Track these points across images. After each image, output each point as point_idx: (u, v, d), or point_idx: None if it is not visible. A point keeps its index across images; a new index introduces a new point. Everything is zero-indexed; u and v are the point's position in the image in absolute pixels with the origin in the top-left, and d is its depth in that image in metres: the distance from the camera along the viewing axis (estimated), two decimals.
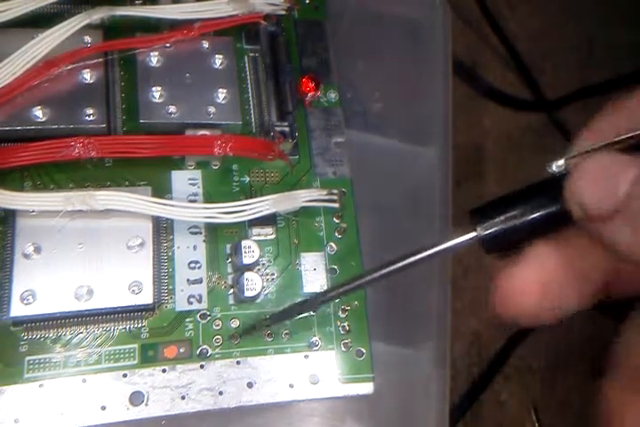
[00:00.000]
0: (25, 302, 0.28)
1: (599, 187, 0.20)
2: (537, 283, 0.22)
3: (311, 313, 0.33)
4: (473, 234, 0.22)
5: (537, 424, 0.53)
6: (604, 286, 0.23)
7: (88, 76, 0.32)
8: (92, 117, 0.32)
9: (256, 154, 0.33)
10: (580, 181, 0.20)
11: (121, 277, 0.30)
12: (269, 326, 0.32)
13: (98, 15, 0.33)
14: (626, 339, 0.23)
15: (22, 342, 0.29)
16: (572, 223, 0.21)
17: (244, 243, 0.32)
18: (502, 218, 0.22)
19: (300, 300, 0.32)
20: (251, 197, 0.33)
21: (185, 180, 0.34)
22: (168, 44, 0.34)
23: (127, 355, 0.30)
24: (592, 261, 0.22)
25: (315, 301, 0.30)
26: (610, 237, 0.20)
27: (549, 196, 0.21)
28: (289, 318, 0.32)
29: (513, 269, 0.22)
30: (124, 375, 0.30)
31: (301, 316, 0.32)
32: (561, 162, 0.21)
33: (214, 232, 0.33)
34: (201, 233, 0.33)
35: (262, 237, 0.34)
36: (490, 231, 0.22)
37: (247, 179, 0.34)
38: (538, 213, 0.22)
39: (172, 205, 0.31)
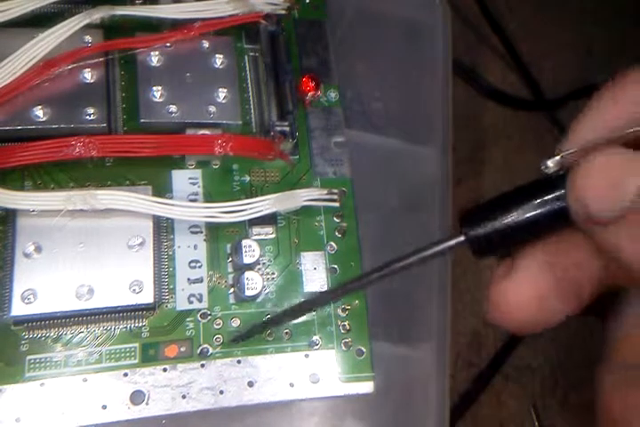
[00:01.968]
0: (26, 301, 0.28)
1: (606, 188, 0.18)
2: (531, 298, 0.21)
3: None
4: (461, 238, 0.22)
5: (537, 424, 0.53)
6: (598, 289, 0.22)
7: (88, 76, 0.32)
8: (92, 117, 0.32)
9: (256, 153, 0.33)
10: (585, 178, 0.19)
11: (121, 276, 0.30)
12: (266, 330, 0.32)
13: (98, 15, 0.33)
14: (614, 329, 0.23)
15: (23, 342, 0.29)
16: (566, 226, 0.20)
17: (245, 242, 0.32)
18: (491, 222, 0.21)
19: (292, 303, 0.33)
20: (251, 197, 0.33)
21: (185, 179, 0.34)
22: (168, 44, 0.34)
23: (128, 354, 0.30)
24: (588, 269, 0.21)
25: (303, 306, 0.31)
26: (612, 243, 0.19)
27: (541, 198, 0.21)
28: (283, 323, 0.32)
29: (505, 283, 0.22)
30: (125, 375, 0.30)
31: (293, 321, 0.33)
32: (557, 159, 0.20)
33: (215, 231, 0.33)
34: (201, 232, 0.33)
35: (263, 237, 0.34)
36: (477, 235, 0.21)
37: (247, 178, 0.35)
38: (528, 217, 0.21)
39: (173, 205, 0.31)
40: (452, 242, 0.22)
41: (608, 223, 0.18)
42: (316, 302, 0.30)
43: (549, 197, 0.20)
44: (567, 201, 0.19)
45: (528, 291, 0.21)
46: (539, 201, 0.21)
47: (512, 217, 0.21)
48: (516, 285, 0.21)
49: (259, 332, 0.32)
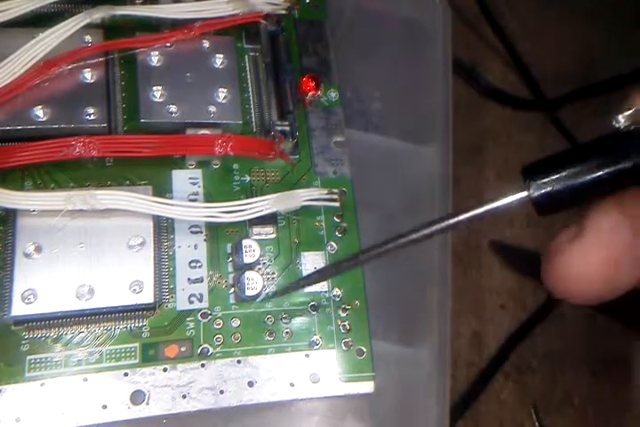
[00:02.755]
0: (26, 301, 0.28)
1: None
2: (603, 265, 0.19)
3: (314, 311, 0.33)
4: (524, 194, 0.21)
5: (537, 424, 0.53)
6: None
7: (89, 76, 0.32)
8: (92, 117, 0.32)
9: (256, 153, 0.33)
10: None
11: (122, 276, 0.30)
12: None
13: (98, 15, 0.33)
14: None
15: (23, 342, 0.29)
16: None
17: (245, 242, 0.32)
18: (557, 177, 0.20)
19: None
20: (251, 197, 0.33)
21: (185, 179, 0.34)
22: (168, 44, 0.34)
23: (128, 354, 0.30)
24: None
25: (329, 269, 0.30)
26: None
27: (611, 152, 0.19)
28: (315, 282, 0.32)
29: (573, 247, 0.20)
30: (125, 374, 0.30)
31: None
32: (629, 113, 0.19)
33: (215, 231, 0.33)
34: (202, 232, 0.33)
35: (263, 237, 0.34)
36: (543, 191, 0.20)
37: (248, 178, 0.35)
38: (599, 172, 0.19)
39: (173, 205, 0.31)
40: (516, 197, 0.21)
41: None
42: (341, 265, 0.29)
43: (621, 152, 0.19)
44: None
45: (597, 256, 0.19)
46: (611, 156, 0.19)
47: (581, 172, 0.20)
48: (584, 249, 0.20)
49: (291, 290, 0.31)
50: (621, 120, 0.19)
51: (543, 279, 0.21)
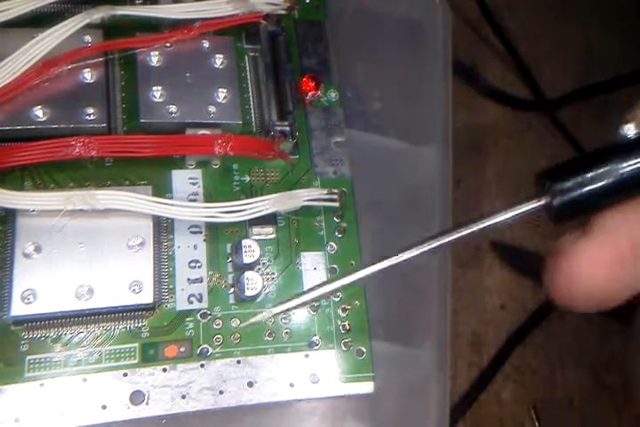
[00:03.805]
0: (25, 301, 0.28)
1: None
2: (610, 264, 0.19)
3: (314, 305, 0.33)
4: (541, 202, 0.20)
5: (537, 424, 0.53)
6: None
7: (88, 76, 0.32)
8: (92, 117, 0.32)
9: (256, 153, 0.33)
10: None
11: (121, 276, 0.30)
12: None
13: (98, 15, 0.33)
14: None
15: (23, 342, 0.29)
16: None
17: (245, 242, 0.32)
18: (576, 182, 0.19)
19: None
20: (251, 197, 0.33)
21: (185, 179, 0.34)
22: (168, 44, 0.34)
23: (128, 354, 0.30)
24: None
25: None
26: None
27: (631, 157, 0.19)
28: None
29: (579, 246, 0.19)
30: (125, 375, 0.30)
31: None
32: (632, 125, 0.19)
33: (215, 231, 0.33)
34: (201, 232, 0.33)
35: (263, 237, 0.34)
36: (562, 199, 0.19)
37: (247, 178, 0.34)
38: (620, 176, 0.19)
39: (173, 205, 0.31)
40: (532, 206, 0.20)
41: None
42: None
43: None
44: None
45: (604, 253, 0.19)
46: (631, 160, 0.19)
47: (601, 177, 0.19)
48: (591, 245, 0.19)
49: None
50: (630, 131, 0.19)
51: (545, 284, 0.20)
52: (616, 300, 0.20)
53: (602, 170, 0.19)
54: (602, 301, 0.20)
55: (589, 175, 0.19)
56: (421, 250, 0.23)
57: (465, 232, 0.22)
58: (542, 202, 0.20)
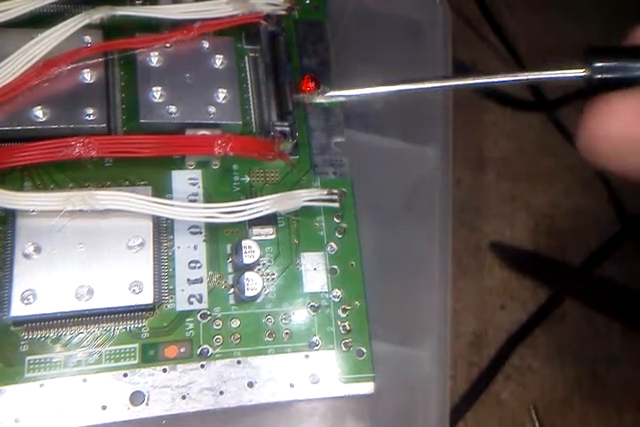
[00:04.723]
0: (25, 301, 0.28)
1: None
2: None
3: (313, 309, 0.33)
4: (582, 71, 0.21)
5: (537, 424, 0.53)
6: None
7: (88, 76, 0.32)
8: (92, 117, 0.32)
9: (256, 154, 0.33)
10: None
11: (121, 276, 0.30)
12: None
13: (98, 15, 0.33)
14: None
15: (23, 342, 0.29)
16: None
17: (245, 243, 0.32)
18: (619, 64, 0.20)
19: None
20: (251, 197, 0.33)
21: (185, 179, 0.34)
22: (168, 44, 0.34)
23: (127, 355, 0.30)
24: None
25: None
26: None
27: None
28: None
29: (615, 100, 0.19)
30: (125, 375, 0.30)
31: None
32: None
33: (214, 232, 0.33)
34: (201, 233, 0.33)
35: (263, 237, 0.34)
36: (603, 75, 0.20)
37: (247, 179, 0.34)
38: None
39: (173, 205, 0.31)
40: (574, 73, 0.21)
41: None
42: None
43: None
44: None
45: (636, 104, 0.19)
46: None
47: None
48: (624, 96, 0.19)
49: None
50: None
51: (581, 148, 0.20)
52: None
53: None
54: (633, 158, 0.19)
55: (629, 63, 0.20)
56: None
57: (503, 79, 0.22)
58: (583, 72, 0.21)
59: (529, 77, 0.22)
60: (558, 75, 0.22)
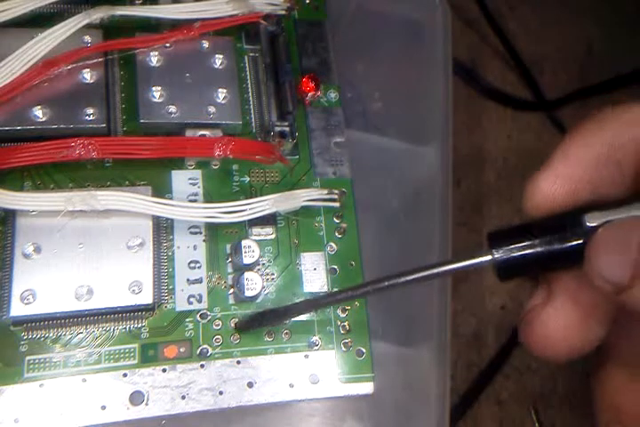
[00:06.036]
0: (25, 301, 0.28)
1: (613, 257, 0.19)
2: (575, 324, 0.21)
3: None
4: (488, 257, 0.22)
5: (537, 424, 0.53)
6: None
7: (88, 76, 0.32)
8: (91, 117, 0.32)
9: (256, 157, 0.33)
10: (596, 255, 0.19)
11: (121, 276, 0.30)
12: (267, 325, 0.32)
13: (98, 15, 0.33)
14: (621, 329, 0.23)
15: (22, 342, 0.29)
16: None
17: (245, 243, 0.32)
18: (521, 245, 0.21)
19: (297, 301, 0.32)
20: (251, 197, 0.33)
21: (185, 179, 0.34)
22: (168, 44, 0.34)
23: (127, 355, 0.30)
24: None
25: (309, 304, 0.31)
26: (634, 304, 0.19)
27: (572, 229, 0.20)
28: (285, 319, 0.32)
29: (547, 311, 0.21)
30: (124, 375, 0.30)
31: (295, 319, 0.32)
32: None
33: (214, 232, 0.33)
34: (201, 233, 0.33)
35: (262, 237, 0.34)
36: (507, 257, 0.21)
37: (247, 179, 0.34)
38: (561, 246, 0.21)
39: (173, 205, 0.31)
40: (480, 260, 0.22)
41: (623, 289, 0.19)
42: (317, 303, 0.30)
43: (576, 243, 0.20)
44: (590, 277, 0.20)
45: (569, 317, 0.21)
46: (572, 233, 0.20)
47: (545, 244, 0.21)
48: (559, 310, 0.21)
49: (260, 324, 0.31)
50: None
51: (523, 340, 0.22)
52: (586, 348, 0.22)
53: (540, 239, 0.21)
54: (574, 351, 0.22)
55: (531, 243, 0.21)
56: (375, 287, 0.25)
57: (416, 276, 0.23)
58: (490, 258, 0.22)
59: (440, 270, 0.23)
60: (468, 264, 0.22)
